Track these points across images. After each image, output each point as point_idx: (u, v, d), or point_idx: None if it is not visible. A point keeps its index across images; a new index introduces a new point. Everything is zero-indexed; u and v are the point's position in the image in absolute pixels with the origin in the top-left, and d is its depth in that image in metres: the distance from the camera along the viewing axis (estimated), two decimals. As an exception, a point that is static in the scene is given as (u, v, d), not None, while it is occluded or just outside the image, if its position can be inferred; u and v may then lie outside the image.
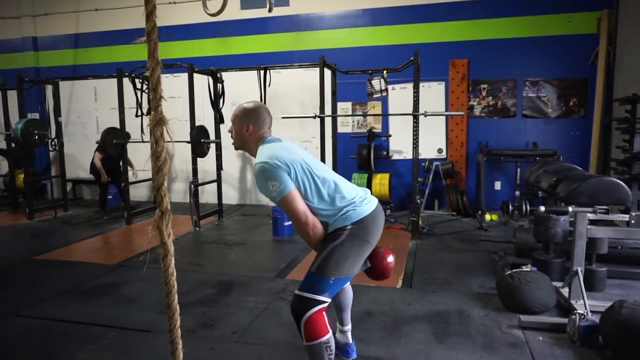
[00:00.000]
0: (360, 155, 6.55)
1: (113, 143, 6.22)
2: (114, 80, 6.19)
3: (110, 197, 6.78)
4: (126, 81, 6.14)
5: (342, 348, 2.55)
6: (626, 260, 3.81)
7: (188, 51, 7.51)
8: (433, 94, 6.76)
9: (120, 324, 3.04)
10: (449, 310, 3.21)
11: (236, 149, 2.29)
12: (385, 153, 6.99)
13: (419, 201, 5.52)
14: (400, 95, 6.81)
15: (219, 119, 6.18)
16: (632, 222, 3.26)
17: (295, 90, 7.14)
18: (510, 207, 5.73)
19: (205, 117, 6.82)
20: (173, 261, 1.15)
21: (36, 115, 8.02)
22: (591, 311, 2.77)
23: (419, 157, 5.39)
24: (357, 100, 7.03)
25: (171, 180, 7.87)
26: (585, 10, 6.20)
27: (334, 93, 6.15)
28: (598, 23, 6.12)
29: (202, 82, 6.32)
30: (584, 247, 3.03)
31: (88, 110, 8.35)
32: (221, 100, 6.14)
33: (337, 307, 2.52)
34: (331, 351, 2.02)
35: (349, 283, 2.45)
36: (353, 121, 7.22)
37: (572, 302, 3.02)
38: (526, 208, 5.06)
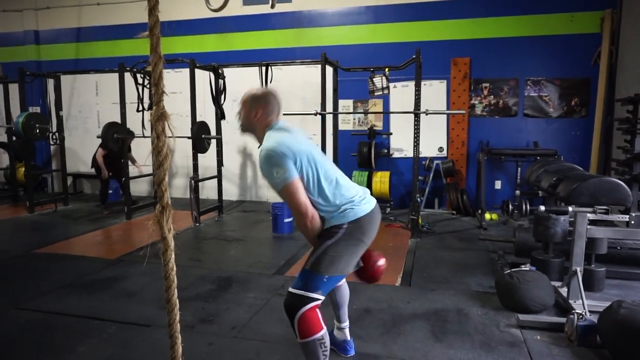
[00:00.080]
0: (360, 153, 6.55)
1: (114, 138, 6.22)
2: (116, 75, 6.18)
3: (111, 191, 6.79)
4: (128, 76, 6.13)
5: (340, 345, 2.55)
6: (625, 260, 3.81)
7: (190, 46, 7.51)
8: (434, 92, 6.75)
9: (119, 318, 3.05)
10: (447, 308, 3.22)
11: (242, 132, 2.26)
12: (386, 151, 6.98)
13: (419, 199, 5.52)
14: (401, 93, 6.80)
15: (220, 115, 6.18)
16: (632, 222, 3.26)
17: (297, 87, 7.13)
18: (510, 206, 5.75)
19: (206, 113, 6.81)
20: (173, 256, 1.15)
21: (37, 109, 8.02)
22: (589, 311, 2.78)
23: (420, 156, 5.39)
24: (358, 97, 7.03)
25: (172, 176, 7.88)
26: (589, 10, 6.19)
27: (335, 90, 6.14)
28: (601, 23, 6.11)
29: (204, 77, 6.31)
30: (583, 247, 3.03)
31: (89, 105, 8.35)
32: (222, 96, 6.14)
33: (333, 304, 2.52)
34: (326, 348, 2.02)
35: (344, 280, 2.47)
36: (354, 119, 7.22)
37: (571, 301, 3.02)
38: (526, 207, 5.09)
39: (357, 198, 2.12)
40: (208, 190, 7.36)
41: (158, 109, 1.07)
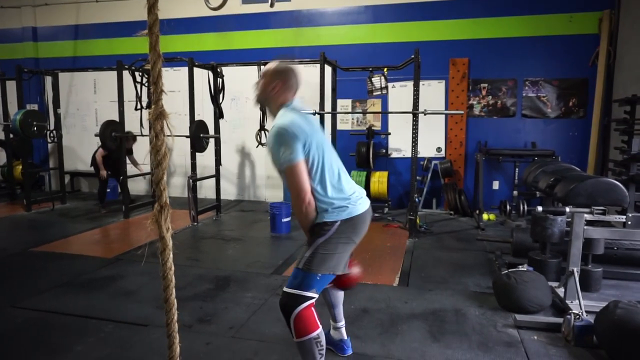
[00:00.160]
0: (359, 152, 6.55)
1: (112, 136, 6.21)
2: (114, 73, 6.17)
3: (109, 190, 6.77)
4: (126, 74, 6.12)
5: (337, 344, 2.56)
6: (622, 261, 3.83)
7: (189, 45, 7.49)
8: (433, 92, 6.76)
9: (117, 317, 3.05)
10: (445, 308, 3.22)
11: (256, 102, 2.25)
12: (384, 151, 6.99)
13: (417, 200, 5.53)
14: (400, 93, 6.80)
15: (218, 114, 6.17)
16: (629, 223, 3.27)
17: (295, 87, 7.12)
18: (508, 206, 5.74)
19: (204, 111, 6.80)
20: (171, 255, 1.15)
21: (35, 107, 7.99)
22: (586, 311, 2.78)
23: (418, 156, 5.40)
24: (357, 97, 7.03)
25: (170, 175, 7.87)
26: (587, 11, 6.20)
27: (334, 90, 6.14)
28: (599, 23, 6.12)
29: (202, 76, 6.30)
30: (580, 248, 3.04)
31: (87, 103, 8.32)
32: (221, 95, 6.13)
33: (328, 304, 2.52)
34: (322, 346, 2.03)
35: None
36: (352, 118, 7.22)
37: (568, 302, 3.03)
38: (524, 208, 5.09)
39: (354, 196, 2.11)
40: (206, 190, 7.35)
41: (157, 108, 1.07)
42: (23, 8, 8.36)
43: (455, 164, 6.73)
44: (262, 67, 5.75)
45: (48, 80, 7.04)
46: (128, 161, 6.88)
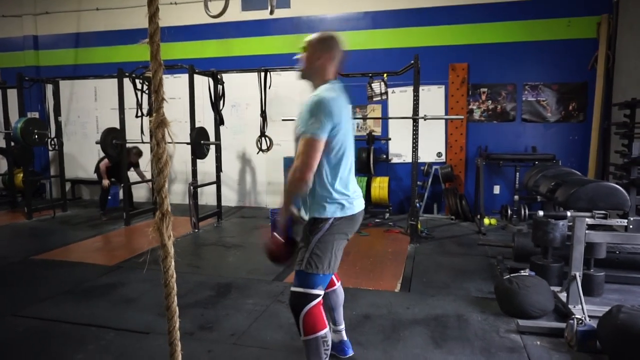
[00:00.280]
0: (359, 158, 6.55)
1: (113, 144, 6.22)
2: (115, 81, 6.19)
3: (110, 197, 6.78)
4: (126, 81, 6.14)
5: (337, 347, 2.56)
6: (624, 265, 3.82)
7: (189, 52, 7.52)
8: (433, 97, 6.77)
9: (118, 325, 3.04)
10: (447, 314, 3.21)
11: (301, 77, 2.20)
12: (384, 156, 6.99)
13: (418, 205, 5.52)
14: (400, 99, 6.82)
15: (219, 121, 6.18)
16: (630, 227, 3.26)
17: (296, 93, 7.13)
18: (509, 211, 5.76)
19: (205, 118, 6.82)
20: (173, 263, 1.15)
21: (36, 115, 8.02)
22: (589, 316, 2.77)
23: (418, 161, 5.40)
24: (357, 103, 7.03)
25: (170, 182, 7.87)
26: (585, 15, 6.23)
27: (334, 96, 6.14)
28: (597, 28, 6.15)
29: (203, 83, 6.32)
30: (582, 252, 3.03)
31: (88, 110, 8.35)
32: (221, 102, 6.15)
33: (328, 307, 2.52)
34: (328, 346, 2.07)
35: (339, 283, 2.53)
36: (353, 124, 7.21)
37: (570, 306, 3.02)
38: (525, 212, 5.09)
39: (354, 195, 2.15)
40: (207, 196, 7.35)
41: (158, 116, 1.07)
42: (24, 17, 8.41)
43: (455, 168, 6.73)
44: (262, 73, 5.79)
45: (49, 88, 7.07)
46: (135, 174, 6.97)
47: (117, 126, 6.27)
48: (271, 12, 3.85)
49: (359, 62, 6.78)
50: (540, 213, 3.43)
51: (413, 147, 5.19)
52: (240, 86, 6.91)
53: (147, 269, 4.13)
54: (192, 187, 5.73)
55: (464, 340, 2.81)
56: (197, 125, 5.97)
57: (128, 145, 6.45)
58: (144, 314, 3.24)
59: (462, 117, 6.20)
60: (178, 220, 6.19)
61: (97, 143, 6.34)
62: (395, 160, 7.06)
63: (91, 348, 2.74)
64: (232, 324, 3.07)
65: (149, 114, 6.38)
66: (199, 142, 5.89)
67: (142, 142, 6.32)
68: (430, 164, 6.68)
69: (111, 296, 3.59)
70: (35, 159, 8.23)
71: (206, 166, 6.85)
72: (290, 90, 7.10)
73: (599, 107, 6.10)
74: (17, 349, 2.76)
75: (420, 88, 5.27)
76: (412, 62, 5.11)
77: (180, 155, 7.60)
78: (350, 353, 2.56)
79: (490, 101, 6.68)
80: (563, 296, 3.18)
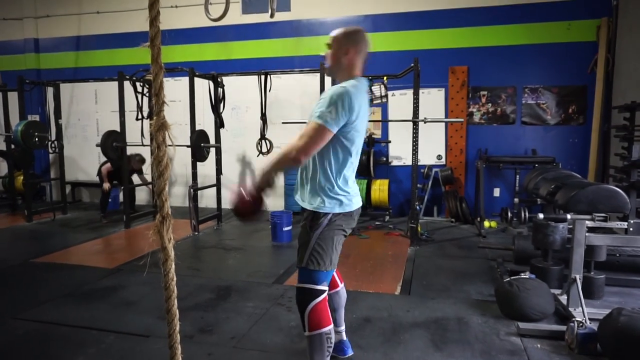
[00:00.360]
0: (359, 161, 6.55)
1: (113, 146, 6.23)
2: (115, 83, 6.20)
3: (110, 200, 6.79)
4: (127, 84, 6.15)
5: (337, 347, 2.56)
6: (624, 267, 3.81)
7: (189, 55, 7.54)
8: (433, 100, 6.78)
9: (118, 328, 3.04)
10: (447, 317, 3.21)
11: (328, 74, 2.19)
12: (384, 159, 6.99)
13: (418, 207, 5.52)
14: (400, 102, 6.83)
15: (219, 124, 6.19)
16: (630, 229, 3.26)
17: (296, 96, 7.17)
18: (509, 214, 5.73)
19: (205, 121, 6.83)
20: (173, 266, 1.15)
21: (36, 117, 8.03)
22: (589, 319, 2.77)
23: (419, 164, 5.40)
24: (357, 105, 7.04)
25: (171, 185, 7.87)
26: (585, 19, 6.24)
27: (334, 98, 6.15)
28: (597, 31, 6.16)
29: (203, 86, 6.33)
30: (582, 255, 3.03)
31: (88, 113, 8.36)
32: (221, 105, 6.15)
33: (330, 308, 2.51)
34: (331, 343, 2.11)
35: (342, 285, 2.53)
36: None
37: (571, 309, 3.02)
38: (525, 215, 5.06)
39: (353, 192, 2.17)
40: (207, 199, 7.35)
41: (159, 119, 1.08)
42: (25, 20, 8.43)
43: (455, 171, 6.73)
44: (262, 76, 5.80)
45: (49, 91, 7.08)
46: (138, 179, 7.02)
47: (118, 129, 6.28)
48: (271, 16, 3.85)
49: (359, 65, 6.79)
50: (541, 216, 3.42)
51: (413, 150, 5.20)
52: (241, 89, 6.92)
53: (147, 271, 4.12)
54: (192, 190, 5.74)
55: (465, 343, 2.80)
56: (198, 128, 5.98)
57: (130, 151, 6.46)
58: (144, 317, 3.24)
59: (462, 119, 6.20)
60: (178, 222, 6.16)
61: (97, 146, 6.35)
62: (395, 162, 7.06)
63: (91, 351, 2.73)
64: (232, 327, 3.07)
65: (149, 116, 6.39)
66: (199, 145, 5.89)
67: (143, 145, 6.33)
68: (430, 167, 6.68)
69: (111, 299, 3.59)
70: (35, 162, 8.25)
71: (206, 169, 6.87)
72: (290, 93, 7.12)
73: (599, 110, 6.11)
74: (17, 352, 2.76)
75: (420, 91, 5.28)
76: (412, 65, 5.12)
77: (180, 158, 7.61)
78: (350, 353, 2.56)
79: (490, 104, 6.69)
80: (563, 299, 3.17)
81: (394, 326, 3.06)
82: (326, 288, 2.12)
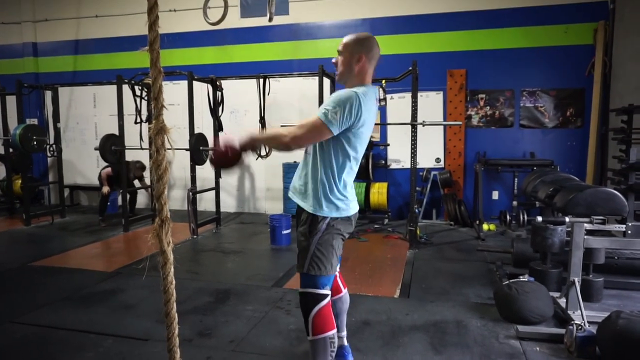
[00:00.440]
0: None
1: (112, 150, 6.22)
2: (114, 87, 6.20)
3: (109, 204, 6.78)
4: (125, 88, 6.15)
5: (338, 352, 2.54)
6: (623, 270, 3.82)
7: (188, 59, 7.55)
8: (431, 103, 6.79)
9: (116, 332, 3.03)
10: (446, 320, 3.21)
11: (338, 80, 2.16)
12: (383, 162, 7.00)
13: (416, 211, 5.53)
14: (398, 105, 6.84)
15: (218, 127, 6.19)
16: (629, 232, 3.27)
17: (294, 99, 7.17)
18: (508, 217, 5.75)
19: (204, 124, 6.83)
20: (172, 269, 1.15)
21: (35, 121, 8.01)
22: (588, 322, 2.77)
23: (417, 167, 5.41)
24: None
25: (169, 188, 7.86)
26: (582, 22, 6.27)
27: (332, 102, 6.16)
28: (594, 34, 6.19)
29: (202, 90, 6.34)
30: (581, 258, 3.04)
31: (87, 117, 8.35)
32: (220, 108, 6.16)
33: (333, 314, 2.52)
34: (334, 348, 2.11)
35: (346, 291, 2.53)
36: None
37: (569, 312, 3.02)
38: (523, 218, 5.09)
39: (351, 197, 2.18)
40: (206, 202, 7.34)
41: (158, 123, 1.08)
42: (23, 24, 8.43)
43: (454, 174, 6.74)
44: (261, 80, 5.81)
45: (48, 94, 7.08)
46: (138, 184, 7.04)
47: (116, 132, 6.28)
48: (270, 20, 3.88)
49: (357, 68, 6.81)
50: (539, 219, 3.43)
51: (412, 153, 5.20)
52: (239, 92, 6.92)
53: (146, 275, 4.12)
54: (191, 193, 5.74)
55: (464, 347, 2.80)
56: (196, 131, 5.98)
57: (128, 155, 6.46)
58: (143, 320, 3.23)
59: (460, 123, 6.22)
60: (177, 226, 6.18)
61: (96, 149, 6.34)
62: (394, 166, 7.07)
63: (89, 355, 2.72)
64: (231, 330, 3.06)
65: (148, 120, 6.40)
66: (198, 149, 5.89)
67: (141, 149, 6.32)
68: (429, 170, 6.69)
69: (110, 303, 3.58)
70: (33, 166, 8.24)
71: (205, 172, 6.85)
72: (289, 97, 7.13)
73: (597, 113, 6.13)
74: (15, 356, 2.75)
75: (419, 94, 5.30)
76: (411, 68, 5.14)
77: (179, 162, 7.61)
78: (350, 359, 2.55)
79: (488, 107, 6.71)
80: (562, 302, 3.18)
81: (393, 329, 3.06)
82: (329, 292, 2.13)
